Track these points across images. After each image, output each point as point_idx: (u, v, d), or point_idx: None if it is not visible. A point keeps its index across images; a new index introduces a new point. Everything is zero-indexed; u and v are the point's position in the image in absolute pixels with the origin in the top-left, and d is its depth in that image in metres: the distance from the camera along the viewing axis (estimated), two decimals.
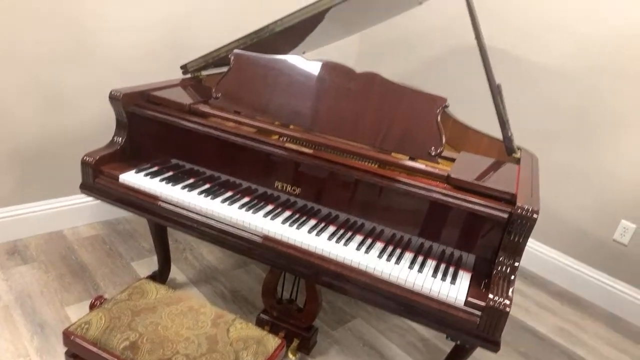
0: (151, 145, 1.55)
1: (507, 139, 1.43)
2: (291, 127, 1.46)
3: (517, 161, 1.42)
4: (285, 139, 1.42)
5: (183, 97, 1.58)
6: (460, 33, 2.47)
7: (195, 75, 1.82)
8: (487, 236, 1.19)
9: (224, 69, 1.80)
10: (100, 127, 2.08)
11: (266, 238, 1.29)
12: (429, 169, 1.27)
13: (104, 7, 1.96)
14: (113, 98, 1.48)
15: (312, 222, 1.33)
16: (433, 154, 1.30)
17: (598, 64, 2.07)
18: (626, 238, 2.07)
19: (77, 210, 2.19)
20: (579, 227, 2.24)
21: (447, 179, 1.23)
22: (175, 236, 2.20)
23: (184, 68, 1.81)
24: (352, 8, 1.61)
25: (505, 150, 1.45)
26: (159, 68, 2.16)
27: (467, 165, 1.32)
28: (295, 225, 1.30)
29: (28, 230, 2.07)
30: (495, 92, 1.41)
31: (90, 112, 2.08)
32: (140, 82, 1.68)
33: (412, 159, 1.33)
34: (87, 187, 1.49)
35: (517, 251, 1.13)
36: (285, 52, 2.04)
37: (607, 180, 2.12)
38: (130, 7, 2.02)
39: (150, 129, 1.53)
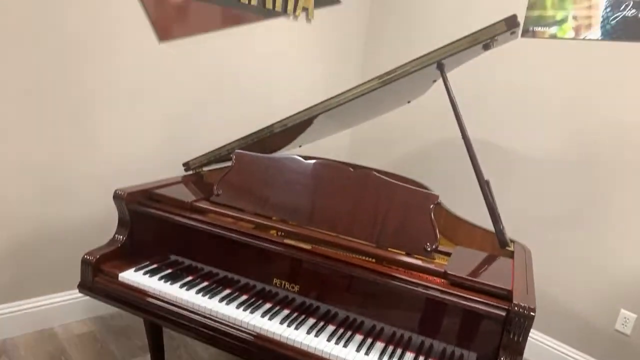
0: (152, 242, 1.57)
1: (500, 232, 1.47)
2: (290, 223, 1.50)
3: (511, 254, 1.45)
4: (283, 234, 1.45)
5: (185, 195, 1.63)
6: (449, 128, 2.62)
7: (197, 171, 1.90)
8: (487, 333, 1.19)
9: (225, 164, 1.90)
10: (98, 222, 2.12)
11: (264, 339, 1.27)
12: (425, 264, 1.30)
13: (110, 104, 2.08)
14: (117, 197, 1.53)
15: (311, 321, 1.33)
16: (429, 249, 1.34)
17: (587, 152, 2.16)
18: (628, 328, 2.05)
19: (70, 306, 2.15)
20: (579, 316, 2.22)
21: (444, 275, 1.25)
22: (170, 332, 2.14)
23: (186, 165, 1.89)
24: (341, 113, 1.73)
25: (499, 244, 1.48)
26: (162, 165, 2.24)
27: (462, 261, 1.35)
28: (294, 325, 1.29)
29: (19, 328, 2.02)
30: (485, 187, 1.48)
31: (90, 207, 2.12)
32: (143, 178, 1.75)
33: (408, 254, 1.36)
34: (85, 287, 1.49)
35: (517, 350, 1.13)
36: (283, 146, 2.16)
37: (603, 269, 2.13)
38: (135, 107, 2.15)
39: (152, 227, 1.56)
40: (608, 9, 2.03)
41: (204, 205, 1.54)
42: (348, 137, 3.19)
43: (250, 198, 1.55)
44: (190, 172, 1.88)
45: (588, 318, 2.19)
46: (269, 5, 2.44)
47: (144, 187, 1.62)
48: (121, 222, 1.58)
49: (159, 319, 1.41)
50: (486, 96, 2.48)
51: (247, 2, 2.35)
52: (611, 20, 2.02)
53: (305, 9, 2.62)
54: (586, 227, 2.18)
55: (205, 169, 1.90)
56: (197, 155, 1.87)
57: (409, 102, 2.19)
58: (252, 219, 1.49)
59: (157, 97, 2.20)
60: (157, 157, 2.26)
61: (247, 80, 2.52)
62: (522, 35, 2.28)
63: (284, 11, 2.52)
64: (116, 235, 1.58)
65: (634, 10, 1.97)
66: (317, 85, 2.87)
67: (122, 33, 2.02)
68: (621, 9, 1.99)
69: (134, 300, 1.42)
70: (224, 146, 1.78)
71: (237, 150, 1.63)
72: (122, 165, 2.16)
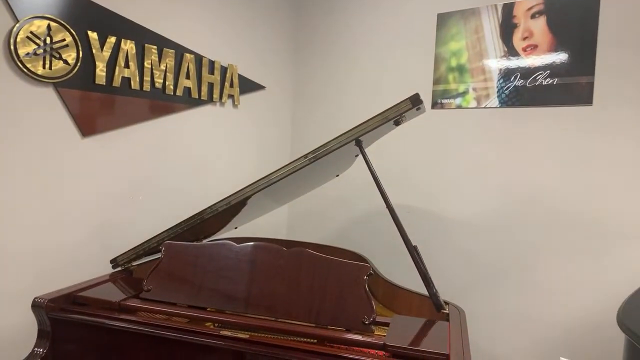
0: (78, 352, 1.45)
1: (434, 296, 1.51)
2: (226, 312, 1.46)
3: (447, 317, 1.48)
4: (219, 325, 1.41)
5: (113, 294, 1.55)
6: (375, 197, 2.73)
7: (126, 267, 1.82)
8: None
9: (156, 256, 1.84)
10: (16, 337, 1.93)
11: None
12: (365, 339, 1.30)
13: (29, 205, 1.98)
14: (36, 306, 1.43)
15: None
16: (367, 322, 1.34)
17: (510, 210, 2.31)
18: None
19: None
20: None
21: (383, 347, 1.26)
22: None
23: (114, 262, 1.81)
24: (274, 191, 1.77)
25: (434, 307, 1.52)
26: (88, 265, 2.12)
27: (401, 329, 1.36)
28: None
29: None
30: (413, 254, 1.54)
31: (5, 321, 1.93)
32: (67, 282, 1.65)
33: (348, 330, 1.35)
34: None
35: None
36: (217, 230, 2.13)
37: (539, 320, 2.22)
38: (57, 205, 2.06)
39: (77, 334, 1.45)
40: (501, 81, 2.29)
41: (133, 303, 1.47)
42: (285, 213, 3.21)
43: (183, 290, 1.50)
44: (119, 269, 1.80)
45: None
46: (195, 94, 2.52)
47: (67, 290, 1.52)
48: (41, 334, 1.46)
49: None
50: (410, 164, 2.64)
51: (172, 93, 2.41)
52: (505, 90, 2.28)
53: (231, 96, 2.73)
54: (520, 281, 2.28)
55: (135, 263, 1.83)
56: (125, 250, 1.80)
57: (337, 175, 2.28)
58: (186, 312, 1.44)
59: (82, 194, 2.13)
60: (82, 257, 2.14)
61: (178, 168, 2.52)
62: (433, 107, 2.50)
63: (210, 99, 2.61)
64: (35, 349, 1.44)
65: (522, 81, 2.24)
66: (249, 167, 2.93)
67: (43, 130, 1.98)
68: (511, 79, 2.26)
69: None
70: (153, 238, 1.74)
71: (166, 241, 1.59)
72: (42, 269, 2.02)
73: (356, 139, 1.61)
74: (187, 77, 2.48)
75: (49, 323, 1.44)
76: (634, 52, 1.99)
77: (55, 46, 1.95)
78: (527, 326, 2.24)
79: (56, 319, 1.44)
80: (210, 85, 2.61)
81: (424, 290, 1.56)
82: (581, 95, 2.09)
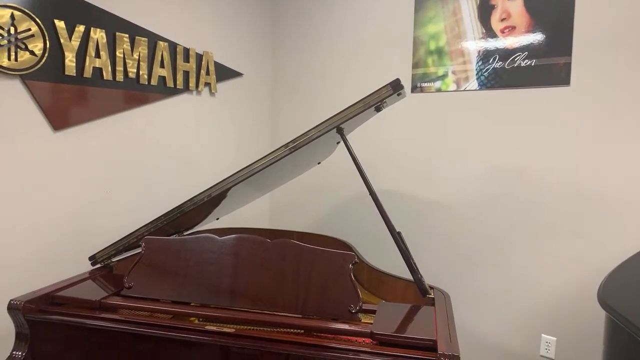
0: (59, 354, 1.41)
1: (419, 281, 1.52)
2: (210, 306, 1.44)
3: (432, 301, 1.49)
4: (203, 320, 1.38)
5: (92, 292, 1.51)
6: (357, 184, 2.72)
7: (106, 264, 1.77)
8: None
9: (136, 251, 1.80)
10: None
11: None
12: (352, 327, 1.29)
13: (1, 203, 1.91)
14: (12, 308, 1.38)
15: None
16: (353, 311, 1.34)
17: (490, 192, 2.33)
18: (552, 352, 2.15)
19: None
20: (506, 348, 2.30)
21: (371, 335, 1.25)
22: None
23: (93, 259, 1.76)
24: (255, 181, 1.74)
25: (419, 292, 1.52)
26: (66, 263, 2.06)
27: (387, 316, 1.36)
28: None
29: None
30: (397, 239, 1.53)
31: None
32: (45, 281, 1.60)
33: (334, 319, 1.35)
34: None
35: None
36: (198, 222, 2.10)
37: (521, 299, 2.26)
38: (32, 203, 2.00)
39: (57, 335, 1.41)
40: (480, 63, 2.29)
41: (114, 301, 1.44)
42: (267, 202, 3.19)
43: (165, 285, 1.47)
44: (99, 266, 1.75)
45: (514, 348, 2.27)
46: (170, 83, 2.45)
47: (45, 291, 1.48)
48: (19, 336, 1.41)
49: None
50: (391, 149, 2.63)
51: (146, 83, 2.34)
52: (484, 72, 2.28)
53: (207, 84, 2.66)
54: (503, 261, 2.31)
55: (115, 259, 1.79)
56: (104, 246, 1.75)
57: (319, 163, 2.25)
58: (169, 308, 1.41)
59: (57, 189, 2.06)
60: (59, 255, 2.08)
61: (156, 159, 2.46)
62: (412, 91, 2.48)
63: (186, 88, 2.55)
64: (14, 352, 1.40)
65: (500, 62, 2.23)
66: (229, 155, 2.88)
67: (11, 125, 1.90)
68: (490, 62, 2.26)
69: None
70: (133, 233, 1.70)
71: (146, 236, 1.55)
72: (17, 270, 1.96)
73: (337, 127, 1.58)
74: (162, 65, 2.40)
75: (27, 325, 1.40)
76: (610, 32, 2.00)
77: (20, 36, 1.86)
78: (511, 306, 2.28)
79: (34, 320, 1.40)
80: (186, 74, 2.54)
81: (408, 276, 1.57)
82: (559, 76, 2.10)
